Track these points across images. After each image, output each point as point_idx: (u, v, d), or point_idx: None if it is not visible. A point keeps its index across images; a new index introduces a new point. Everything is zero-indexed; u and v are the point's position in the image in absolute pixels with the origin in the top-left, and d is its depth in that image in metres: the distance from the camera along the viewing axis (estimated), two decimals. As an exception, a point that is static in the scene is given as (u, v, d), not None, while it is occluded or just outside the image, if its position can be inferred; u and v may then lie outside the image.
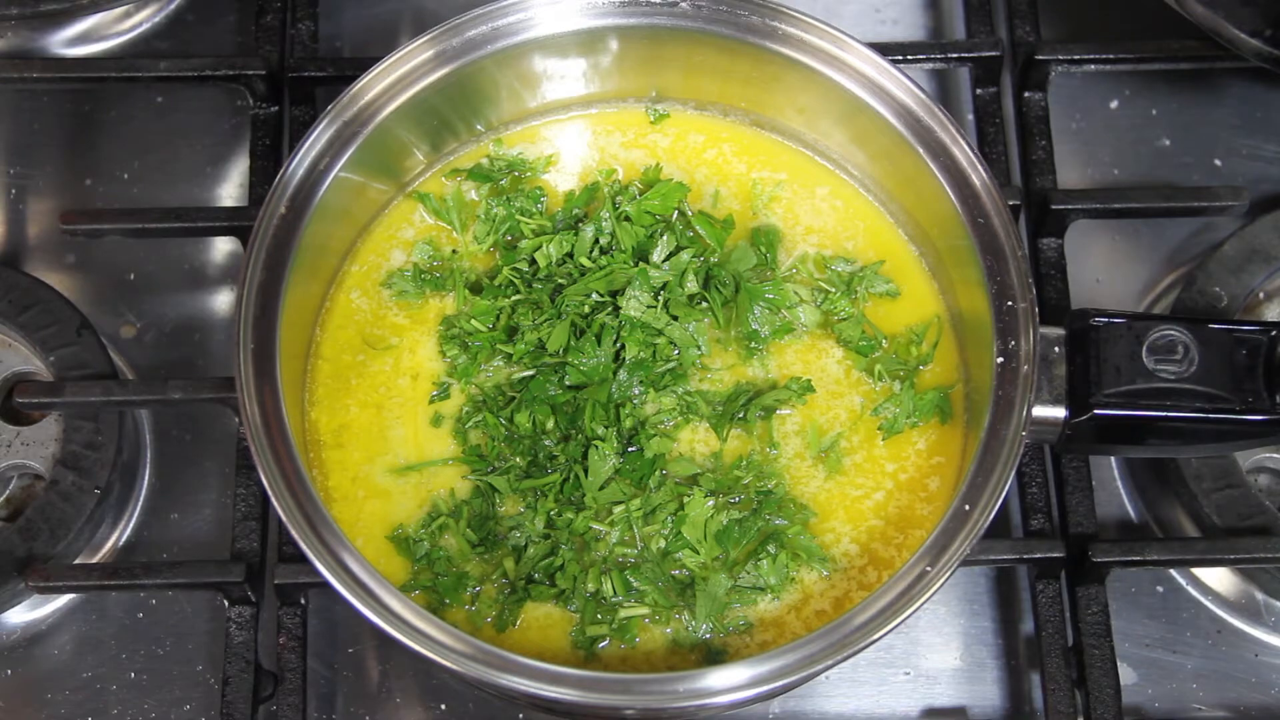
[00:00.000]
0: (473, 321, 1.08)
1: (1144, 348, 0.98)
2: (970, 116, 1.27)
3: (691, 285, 1.07)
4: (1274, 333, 0.99)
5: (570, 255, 1.09)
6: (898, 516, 1.04)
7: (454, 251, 1.12)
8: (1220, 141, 1.30)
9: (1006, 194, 1.07)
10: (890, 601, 0.92)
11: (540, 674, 0.90)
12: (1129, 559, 1.09)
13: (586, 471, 1.02)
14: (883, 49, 1.08)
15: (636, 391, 1.04)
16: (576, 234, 1.09)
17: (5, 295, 1.15)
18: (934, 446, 1.06)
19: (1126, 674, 1.11)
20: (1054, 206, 1.18)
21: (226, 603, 1.08)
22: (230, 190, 1.28)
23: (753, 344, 1.07)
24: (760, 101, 1.13)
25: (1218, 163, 1.29)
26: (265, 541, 1.10)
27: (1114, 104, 1.31)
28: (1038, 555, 1.09)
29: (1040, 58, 1.23)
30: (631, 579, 1.01)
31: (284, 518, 0.93)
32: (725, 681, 0.90)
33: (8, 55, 1.31)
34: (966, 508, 0.94)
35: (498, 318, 1.08)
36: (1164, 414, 0.98)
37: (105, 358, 1.14)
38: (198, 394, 1.11)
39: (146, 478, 1.18)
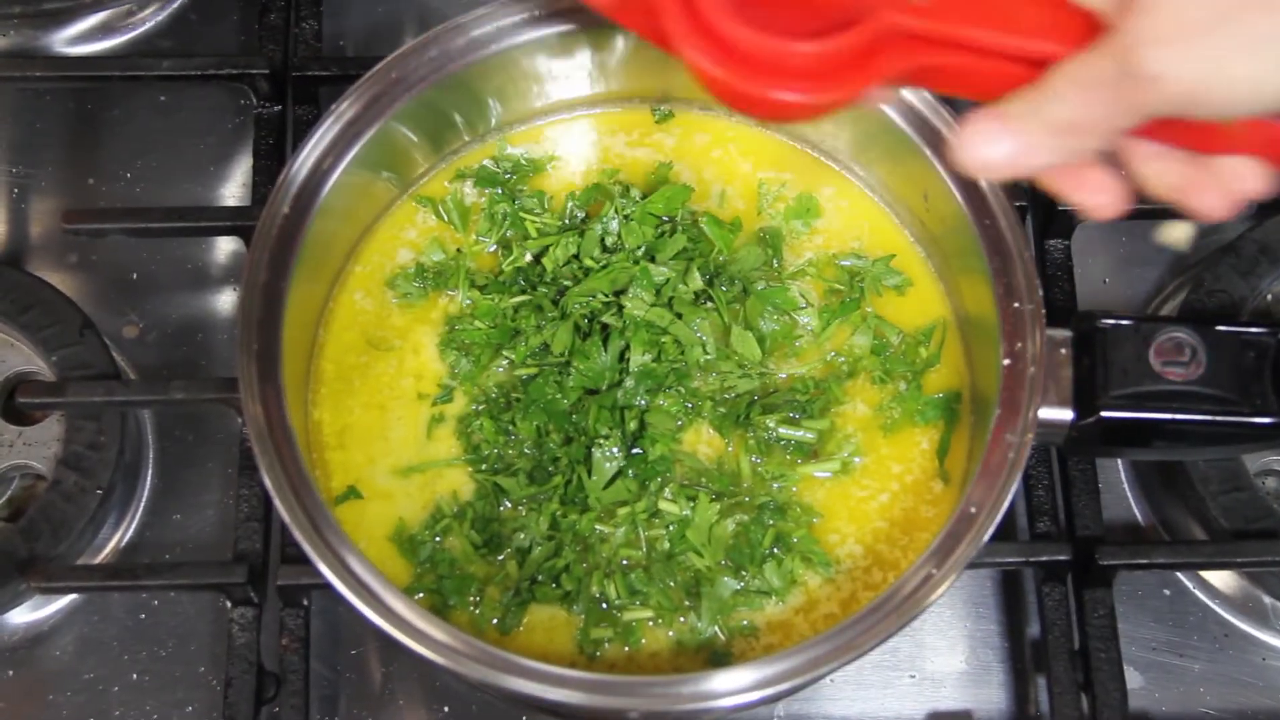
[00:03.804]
0: (476, 323, 1.08)
1: (1151, 350, 0.97)
2: (976, 117, 1.27)
3: (696, 282, 1.07)
4: (1282, 335, 0.99)
5: (576, 256, 1.09)
6: (903, 518, 1.04)
7: (459, 251, 1.12)
8: (1227, 142, 1.29)
9: (1013, 195, 1.06)
10: (896, 605, 0.92)
11: (545, 676, 0.90)
12: (1136, 562, 1.09)
13: (590, 472, 1.02)
14: (889, 49, 1.07)
15: (642, 402, 1.04)
16: (582, 235, 1.09)
17: (7, 295, 1.15)
18: (939, 448, 1.06)
19: (1133, 677, 1.10)
20: (1060, 207, 1.18)
21: (229, 604, 1.08)
22: (233, 190, 1.28)
23: (759, 346, 1.07)
24: (766, 101, 1.13)
25: (1225, 163, 1.28)
26: (268, 542, 1.10)
27: (1121, 104, 1.31)
28: (1044, 558, 1.09)
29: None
30: (635, 581, 1.01)
31: (287, 519, 0.93)
32: (730, 684, 0.90)
33: (10, 54, 1.31)
34: (972, 510, 0.94)
35: (503, 316, 1.08)
36: (1171, 416, 0.97)
37: (107, 358, 1.13)
38: (200, 394, 1.11)
39: (149, 478, 1.17)
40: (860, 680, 1.12)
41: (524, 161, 1.14)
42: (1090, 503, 1.11)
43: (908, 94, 1.04)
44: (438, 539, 1.03)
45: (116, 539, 1.16)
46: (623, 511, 1.02)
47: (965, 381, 1.08)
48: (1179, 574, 1.15)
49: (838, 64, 0.76)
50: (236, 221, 1.18)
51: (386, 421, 1.06)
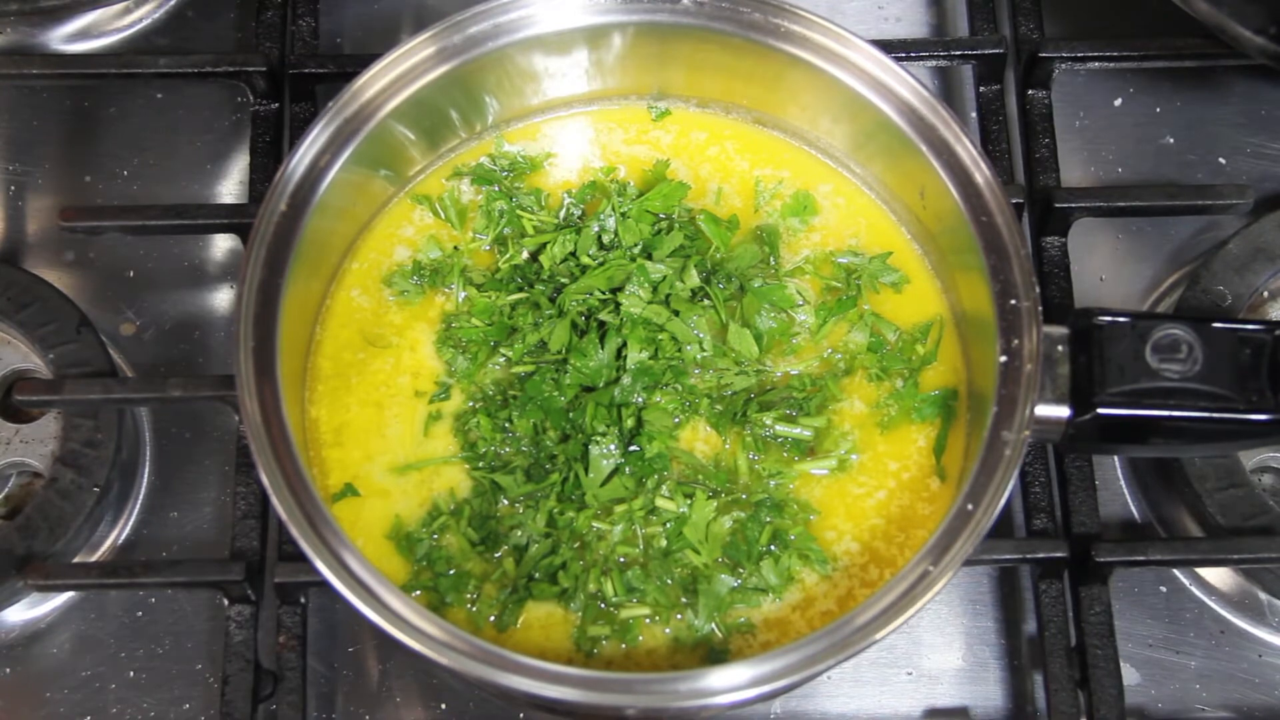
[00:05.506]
0: (473, 320, 1.08)
1: (1148, 347, 0.97)
2: (973, 114, 1.27)
3: (693, 279, 1.07)
4: (1278, 332, 0.99)
5: (573, 254, 1.09)
6: (900, 516, 1.04)
7: (456, 248, 1.12)
8: (1224, 139, 1.29)
9: (1010, 192, 1.07)
10: (892, 602, 0.92)
11: (541, 673, 0.90)
12: (1132, 559, 1.09)
13: (587, 469, 1.02)
14: (886, 46, 1.07)
15: (639, 399, 1.04)
16: (579, 232, 1.09)
17: (4, 292, 1.15)
18: (936, 445, 1.06)
19: (1129, 674, 1.10)
20: (1057, 205, 1.18)
21: (226, 601, 1.08)
22: (230, 187, 1.28)
23: (756, 343, 1.07)
24: (763, 99, 1.13)
25: (1222, 161, 1.29)
26: (265, 540, 1.10)
27: (1118, 102, 1.31)
28: (1041, 555, 1.09)
29: (1044, 55, 1.23)
30: (632, 579, 1.01)
31: (284, 516, 0.93)
32: (727, 681, 0.90)
33: (7, 52, 1.31)
34: (969, 507, 0.94)
35: (500, 314, 1.08)
36: (1168, 413, 0.98)
37: (105, 355, 1.13)
38: (197, 392, 1.11)
39: (146, 476, 1.17)
40: (857, 677, 1.12)
41: (521, 159, 1.14)
42: (1087, 500, 1.11)
43: (904, 91, 1.05)
44: (435, 536, 1.03)
45: (114, 537, 1.15)
46: (620, 509, 1.02)
47: (962, 378, 1.08)
48: (1175, 571, 1.15)
49: None
50: (233, 219, 1.18)
51: (384, 419, 1.06)
